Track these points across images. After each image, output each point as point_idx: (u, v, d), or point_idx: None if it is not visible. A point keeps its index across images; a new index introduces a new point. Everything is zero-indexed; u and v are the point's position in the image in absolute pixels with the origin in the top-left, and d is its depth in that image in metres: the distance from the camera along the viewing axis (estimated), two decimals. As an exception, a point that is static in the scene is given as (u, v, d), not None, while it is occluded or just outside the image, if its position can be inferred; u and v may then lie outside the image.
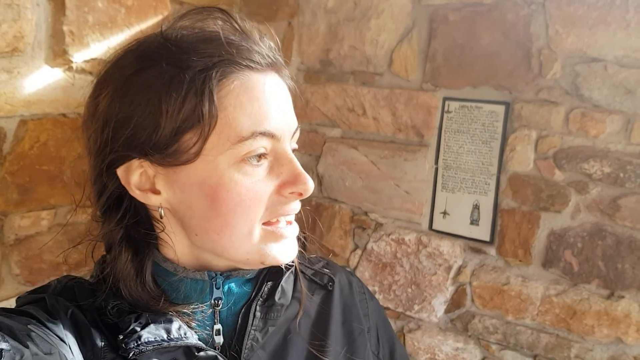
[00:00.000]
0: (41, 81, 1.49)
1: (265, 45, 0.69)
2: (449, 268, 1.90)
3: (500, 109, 1.77)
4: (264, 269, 0.76)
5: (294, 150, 0.71)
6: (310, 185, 0.67)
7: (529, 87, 1.72)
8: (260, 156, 0.65)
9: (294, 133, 0.70)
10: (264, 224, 0.67)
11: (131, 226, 0.70)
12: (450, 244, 1.89)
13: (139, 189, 0.67)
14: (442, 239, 1.91)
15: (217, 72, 0.63)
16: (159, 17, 1.72)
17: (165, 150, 0.63)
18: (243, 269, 0.73)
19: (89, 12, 1.54)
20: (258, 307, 0.72)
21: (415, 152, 1.94)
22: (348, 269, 0.93)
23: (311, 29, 2.12)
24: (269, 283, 0.75)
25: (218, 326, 0.71)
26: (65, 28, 1.50)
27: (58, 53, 1.52)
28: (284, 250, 0.69)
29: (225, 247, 0.67)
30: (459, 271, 1.89)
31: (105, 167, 0.68)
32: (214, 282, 0.71)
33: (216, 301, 0.71)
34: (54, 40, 1.51)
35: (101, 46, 1.59)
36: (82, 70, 1.58)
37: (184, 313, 0.68)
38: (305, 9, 2.13)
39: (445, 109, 1.87)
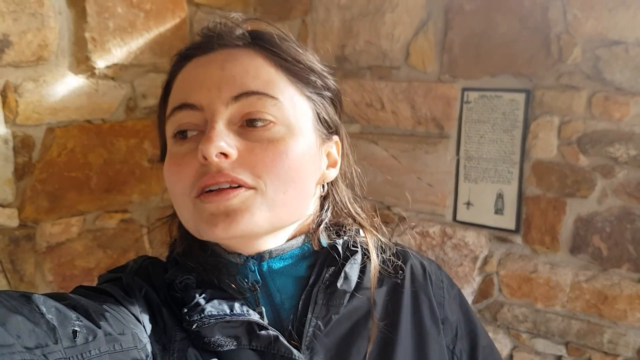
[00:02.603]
0: (66, 89, 1.51)
1: (228, 30, 0.69)
2: (475, 258, 1.90)
3: (521, 96, 1.77)
4: (323, 253, 0.72)
5: (255, 122, 0.64)
6: (207, 148, 0.60)
7: (549, 73, 1.71)
8: (183, 133, 0.65)
9: (237, 98, 0.63)
10: (196, 197, 0.63)
11: None
12: (476, 235, 1.89)
13: None
14: (467, 229, 1.91)
15: (175, 66, 0.71)
16: (177, 20, 1.74)
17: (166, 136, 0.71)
18: (275, 249, 0.70)
19: (109, 17, 1.56)
20: (320, 294, 0.69)
21: (436, 144, 1.94)
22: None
23: (325, 25, 2.13)
24: (330, 268, 0.71)
25: (260, 309, 0.69)
26: (87, 35, 1.52)
27: (81, 60, 1.54)
28: (212, 219, 0.62)
29: (186, 226, 0.68)
30: (485, 261, 1.89)
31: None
32: (246, 264, 0.69)
33: (253, 284, 0.69)
34: (77, 48, 1.53)
35: (122, 51, 1.61)
36: (105, 76, 1.60)
37: (235, 289, 0.70)
38: (319, 6, 2.14)
39: (465, 99, 1.87)
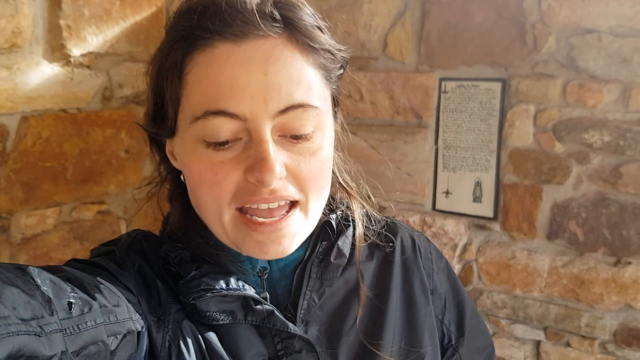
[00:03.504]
0: (40, 77, 1.49)
1: (259, 7, 0.60)
2: (455, 246, 1.91)
3: (497, 85, 1.79)
4: (317, 228, 0.72)
5: (300, 137, 0.62)
6: (268, 176, 0.58)
7: (524, 62, 1.74)
8: (223, 142, 0.60)
9: (283, 112, 0.60)
10: (238, 210, 0.63)
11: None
12: (455, 223, 1.91)
13: (168, 152, 0.71)
14: (446, 218, 1.92)
15: (182, 46, 0.61)
16: (153, 9, 1.72)
17: (158, 123, 0.67)
18: None
19: (84, 5, 1.54)
20: (313, 268, 0.70)
21: (414, 134, 1.95)
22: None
23: (304, 18, 2.12)
24: (323, 243, 0.72)
25: (265, 294, 0.70)
26: (62, 22, 1.50)
27: (56, 48, 1.51)
28: (259, 246, 0.63)
29: (208, 224, 0.67)
30: (464, 249, 1.90)
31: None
32: None
33: (261, 270, 0.70)
34: (51, 35, 1.50)
35: (98, 39, 1.60)
36: (80, 65, 1.58)
37: (236, 268, 0.68)
38: (297, -1, 2.13)
39: (442, 89, 1.88)
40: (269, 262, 0.70)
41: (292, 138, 0.62)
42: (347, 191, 0.79)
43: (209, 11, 0.60)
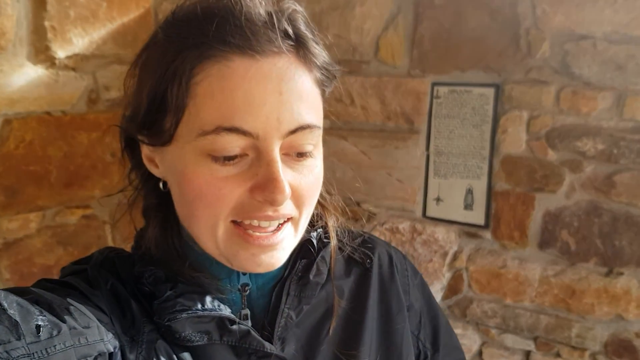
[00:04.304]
0: (24, 79, 1.46)
1: (275, 23, 0.59)
2: (445, 254, 1.89)
3: (490, 91, 1.76)
4: (298, 246, 0.71)
5: (302, 154, 0.62)
6: (280, 197, 0.58)
7: (518, 68, 1.71)
8: (231, 156, 0.59)
9: (293, 132, 0.59)
10: (233, 221, 0.62)
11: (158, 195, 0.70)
12: (445, 230, 1.88)
13: (147, 158, 0.68)
14: (437, 225, 1.90)
15: (194, 55, 0.58)
16: (141, 10, 1.70)
17: (149, 129, 0.63)
18: None
19: (70, 6, 1.52)
20: (292, 286, 0.70)
21: (405, 140, 1.92)
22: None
23: (296, 20, 2.10)
24: (303, 261, 0.72)
25: (246, 311, 0.69)
26: (46, 23, 1.47)
27: (40, 49, 1.49)
28: (253, 259, 0.63)
29: (196, 236, 0.65)
30: (454, 257, 1.88)
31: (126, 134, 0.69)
32: (237, 271, 0.69)
33: (243, 287, 0.69)
34: (36, 37, 1.48)
35: (84, 41, 1.57)
36: (65, 67, 1.55)
37: (214, 288, 0.67)
38: None
39: (435, 94, 1.86)
40: (250, 278, 0.70)
41: (297, 156, 0.62)
42: (320, 203, 0.77)
43: (229, 24, 0.58)
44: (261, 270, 0.64)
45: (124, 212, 0.75)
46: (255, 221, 0.61)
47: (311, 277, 0.71)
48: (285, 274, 0.71)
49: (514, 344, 1.79)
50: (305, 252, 0.72)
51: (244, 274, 0.69)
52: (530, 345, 1.76)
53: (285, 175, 0.59)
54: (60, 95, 1.55)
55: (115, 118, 1.66)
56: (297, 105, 0.59)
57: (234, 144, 0.58)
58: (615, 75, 1.58)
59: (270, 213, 0.60)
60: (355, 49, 1.99)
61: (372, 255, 0.80)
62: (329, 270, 0.74)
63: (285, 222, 0.64)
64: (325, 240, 0.75)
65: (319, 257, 0.72)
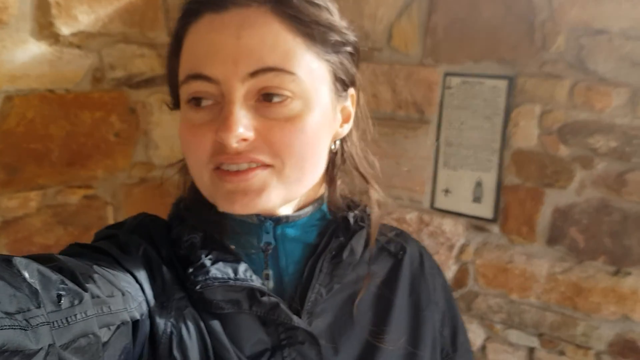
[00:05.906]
0: (27, 55, 1.42)
1: None
2: (452, 247, 1.86)
3: (503, 83, 1.73)
4: (333, 223, 0.75)
5: (272, 100, 0.62)
6: (226, 136, 0.60)
7: (532, 61, 1.68)
8: (197, 100, 0.63)
9: (254, 75, 0.61)
10: (216, 168, 0.64)
11: None
12: (453, 222, 1.86)
13: None
14: (444, 217, 1.87)
15: (182, 21, 0.66)
16: (149, -13, 1.65)
17: (174, 97, 0.70)
18: (292, 215, 0.71)
19: (76, -19, 1.47)
20: (325, 263, 0.71)
21: (415, 129, 1.89)
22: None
23: (306, 4, 2.06)
24: (338, 240, 0.73)
25: (268, 271, 0.71)
26: (51, -1, 1.43)
27: (44, 25, 1.44)
28: (228, 196, 0.64)
29: (197, 186, 0.69)
30: (461, 250, 1.86)
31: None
32: (262, 225, 0.70)
33: (266, 245, 0.71)
34: (40, 12, 1.43)
35: (89, 19, 1.53)
36: (70, 44, 1.51)
37: (240, 244, 0.71)
38: (300, -17, 2.06)
39: (447, 84, 1.82)
40: (275, 237, 0.71)
41: (265, 100, 0.62)
42: (364, 177, 0.79)
43: None
44: (239, 210, 0.64)
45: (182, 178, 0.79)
46: (226, 166, 0.63)
47: (344, 256, 0.72)
48: (319, 250, 0.73)
49: (518, 340, 1.78)
50: (340, 230, 0.74)
51: (267, 232, 0.70)
52: (534, 342, 1.75)
53: (247, 118, 0.61)
54: (64, 73, 1.51)
55: (120, 97, 1.63)
56: (258, 49, 0.61)
57: (201, 89, 0.62)
58: (631, 72, 1.54)
59: (232, 155, 0.62)
60: (367, 36, 1.95)
61: (406, 247, 0.83)
62: (364, 249, 0.75)
63: (258, 167, 0.63)
64: (361, 223, 0.76)
65: (354, 238, 0.73)
